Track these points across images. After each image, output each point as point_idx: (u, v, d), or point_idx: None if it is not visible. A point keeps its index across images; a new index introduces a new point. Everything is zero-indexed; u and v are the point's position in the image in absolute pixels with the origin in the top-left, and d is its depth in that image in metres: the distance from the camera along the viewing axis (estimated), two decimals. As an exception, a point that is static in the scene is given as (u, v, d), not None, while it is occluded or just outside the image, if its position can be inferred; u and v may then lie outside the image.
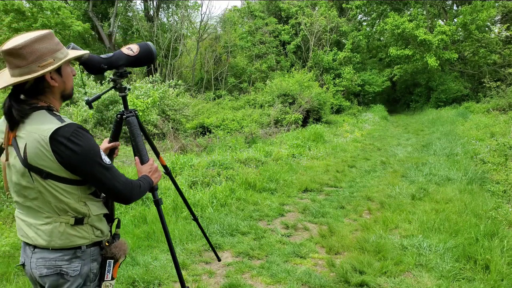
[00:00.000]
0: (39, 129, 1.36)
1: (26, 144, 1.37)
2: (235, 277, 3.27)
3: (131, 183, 1.55)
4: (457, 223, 4.15)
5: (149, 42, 1.97)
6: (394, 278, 3.20)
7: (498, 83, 16.49)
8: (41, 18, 18.19)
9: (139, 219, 4.41)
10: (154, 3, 23.57)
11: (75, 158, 1.36)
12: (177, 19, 23.16)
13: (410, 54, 20.26)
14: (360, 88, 21.46)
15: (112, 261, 1.57)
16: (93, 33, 22.40)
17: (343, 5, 24.78)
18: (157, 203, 2.03)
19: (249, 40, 22.29)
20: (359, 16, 26.11)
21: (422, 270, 3.31)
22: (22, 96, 1.43)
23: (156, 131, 10.23)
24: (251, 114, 13.18)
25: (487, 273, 3.14)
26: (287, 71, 20.51)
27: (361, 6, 23.21)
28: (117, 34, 22.27)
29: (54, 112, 1.45)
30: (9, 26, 18.12)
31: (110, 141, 2.00)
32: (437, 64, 19.28)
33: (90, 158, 1.39)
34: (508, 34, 20.89)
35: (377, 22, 24.42)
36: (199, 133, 11.81)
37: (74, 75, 1.55)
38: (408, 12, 21.97)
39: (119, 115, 2.08)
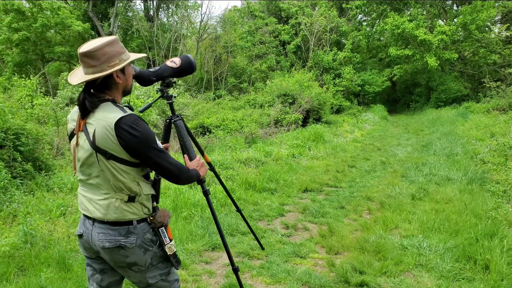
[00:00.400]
0: (106, 117, 1.63)
1: (95, 129, 1.63)
2: (235, 277, 3.27)
3: (181, 165, 1.82)
4: (457, 223, 4.15)
5: (189, 55, 2.22)
6: (394, 278, 3.20)
7: (498, 83, 16.49)
8: (41, 18, 18.18)
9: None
10: (154, 3, 23.58)
11: (135, 142, 1.62)
12: (177, 19, 23.17)
13: (410, 54, 20.26)
14: (360, 88, 21.46)
15: (163, 228, 1.82)
16: (93, 33, 22.38)
17: (343, 5, 24.78)
18: (206, 193, 2.35)
19: (249, 40, 22.29)
20: (359, 16, 26.11)
21: (422, 270, 3.31)
22: (92, 90, 1.69)
23: (156, 131, 10.23)
24: (251, 114, 13.17)
25: (487, 273, 3.14)
26: (287, 71, 20.50)
27: (361, 6, 23.20)
28: (117, 34, 22.26)
29: (117, 104, 1.72)
30: (9, 26, 18.13)
31: (162, 143, 2.22)
32: (437, 64, 19.28)
33: (147, 143, 1.65)
34: (508, 34, 20.90)
35: (377, 22, 24.42)
36: (199, 133, 11.80)
37: (133, 74, 1.84)
38: (408, 12, 21.97)
39: (168, 120, 2.33)
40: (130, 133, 1.60)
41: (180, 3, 23.53)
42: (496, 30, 22.44)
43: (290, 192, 5.87)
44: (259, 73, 21.51)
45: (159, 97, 2.26)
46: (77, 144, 1.71)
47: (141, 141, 1.63)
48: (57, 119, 8.17)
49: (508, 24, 20.68)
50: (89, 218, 1.76)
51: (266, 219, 4.76)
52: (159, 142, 1.73)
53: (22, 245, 3.60)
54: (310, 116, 14.47)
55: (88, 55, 1.62)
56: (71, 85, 12.51)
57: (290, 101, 14.32)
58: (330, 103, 16.85)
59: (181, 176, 1.81)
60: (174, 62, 2.13)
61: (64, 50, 19.99)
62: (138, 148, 1.63)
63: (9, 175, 4.96)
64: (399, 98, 27.09)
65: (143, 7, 24.20)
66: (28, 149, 5.55)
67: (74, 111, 1.77)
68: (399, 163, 7.89)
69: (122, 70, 1.73)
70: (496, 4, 20.23)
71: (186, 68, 2.17)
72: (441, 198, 5.13)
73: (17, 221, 4.17)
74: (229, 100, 17.29)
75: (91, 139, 1.64)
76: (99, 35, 21.96)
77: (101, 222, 1.71)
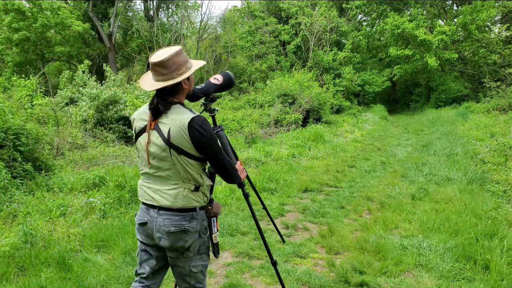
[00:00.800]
0: (179, 118, 1.86)
1: (170, 128, 1.85)
2: (235, 277, 3.27)
3: (233, 164, 2.08)
4: (457, 223, 4.15)
5: (228, 72, 2.46)
6: (394, 278, 3.20)
7: (498, 83, 16.48)
8: (41, 18, 18.18)
9: (139, 219, 4.40)
10: (154, 3, 23.57)
11: (203, 140, 1.86)
12: (177, 19, 23.16)
13: (410, 54, 20.25)
14: (360, 88, 21.44)
15: (215, 218, 2.09)
16: (93, 33, 22.39)
17: (343, 5, 24.77)
18: (246, 196, 2.63)
19: (249, 40, 22.29)
20: (359, 16, 26.10)
21: (422, 270, 3.31)
22: (163, 95, 1.91)
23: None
24: (251, 114, 13.17)
25: (487, 273, 3.14)
26: (287, 71, 20.50)
27: (361, 6, 23.19)
28: (117, 34, 22.26)
29: (185, 106, 1.95)
30: (9, 26, 18.12)
31: None
32: (437, 64, 19.27)
33: (212, 141, 1.90)
34: (508, 34, 20.90)
35: (377, 22, 24.41)
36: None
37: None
38: (408, 12, 21.97)
39: None
40: (199, 132, 1.85)
41: (180, 3, 23.52)
42: (496, 30, 22.44)
43: (290, 192, 5.87)
44: (259, 73, 21.50)
45: (202, 111, 2.48)
46: (148, 141, 1.93)
47: (208, 139, 1.88)
48: (57, 119, 8.16)
49: (508, 24, 20.68)
50: (153, 207, 1.96)
51: (266, 219, 4.75)
52: (219, 142, 1.99)
53: (22, 245, 3.60)
54: (310, 116, 14.47)
55: (160, 64, 1.84)
56: (71, 85, 12.45)
57: (290, 101, 14.31)
58: (330, 103, 16.84)
59: (233, 174, 2.09)
60: (217, 79, 2.37)
61: (64, 50, 19.98)
62: (205, 145, 1.88)
63: (9, 175, 4.96)
64: (399, 98, 27.08)
65: (143, 7, 24.19)
66: (28, 149, 5.55)
67: (143, 111, 1.99)
68: (399, 163, 7.89)
69: (188, 77, 1.94)
70: (496, 4, 20.23)
71: (227, 84, 2.43)
72: (441, 198, 5.13)
73: (17, 221, 4.17)
74: (229, 100, 17.28)
75: (166, 137, 1.86)
76: (99, 35, 21.97)
77: (167, 209, 1.93)
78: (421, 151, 9.08)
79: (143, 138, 1.95)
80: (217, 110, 2.50)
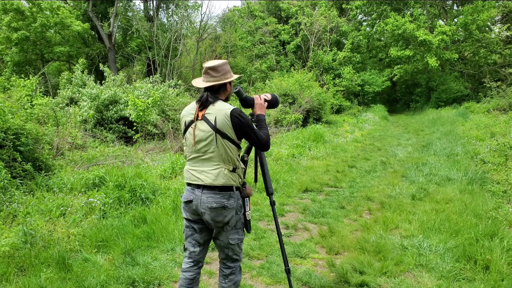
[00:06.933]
0: (223, 108, 2.33)
1: (215, 117, 2.31)
2: (235, 277, 3.26)
3: (264, 134, 2.49)
4: (457, 223, 4.14)
5: (276, 94, 2.90)
6: (394, 278, 3.20)
7: (499, 83, 16.50)
8: (40, 17, 18.17)
9: (139, 220, 4.40)
10: (154, 3, 23.56)
11: (241, 125, 2.33)
12: (177, 19, 23.14)
13: (410, 54, 20.24)
14: (360, 88, 21.44)
15: (248, 198, 2.50)
16: (93, 33, 22.39)
17: (343, 5, 24.78)
18: (272, 203, 2.85)
19: (249, 40, 22.29)
20: (359, 16, 26.11)
21: (422, 270, 3.30)
22: (211, 92, 2.40)
23: (156, 131, 10.22)
24: (251, 114, 13.14)
25: (487, 273, 3.13)
26: (287, 71, 20.49)
27: (361, 6, 23.19)
28: (117, 34, 22.25)
29: (225, 102, 2.44)
30: (8, 26, 18.11)
31: (244, 155, 2.85)
32: (437, 64, 19.27)
33: (248, 125, 2.37)
34: (508, 34, 20.90)
35: (377, 22, 24.42)
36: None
37: (240, 98, 2.66)
38: (409, 13, 21.95)
39: None
40: (238, 119, 2.31)
41: (180, 3, 23.50)
42: (497, 30, 22.44)
43: (290, 192, 5.87)
44: (259, 73, 21.49)
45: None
46: (195, 127, 2.36)
47: (245, 124, 2.34)
48: (57, 119, 8.15)
49: (509, 24, 20.67)
50: (198, 187, 2.36)
51: (266, 219, 4.75)
52: (253, 125, 2.44)
53: (22, 245, 3.59)
54: (310, 116, 14.46)
55: (213, 68, 2.37)
56: (71, 85, 12.44)
57: (290, 101, 14.31)
58: (330, 103, 16.84)
59: (268, 143, 2.50)
60: (267, 96, 2.82)
61: (64, 50, 19.97)
62: (243, 129, 2.34)
63: (9, 175, 4.95)
64: (399, 98, 27.10)
65: (143, 7, 24.19)
66: (28, 149, 5.54)
67: (191, 108, 2.45)
68: (399, 163, 7.88)
69: (230, 82, 2.46)
70: (497, 4, 20.23)
71: (274, 103, 2.85)
72: (441, 198, 5.13)
73: (17, 221, 4.17)
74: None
75: (213, 124, 2.30)
76: (99, 35, 21.98)
77: (210, 188, 2.33)
78: (421, 151, 9.08)
79: (192, 128, 2.39)
80: None
